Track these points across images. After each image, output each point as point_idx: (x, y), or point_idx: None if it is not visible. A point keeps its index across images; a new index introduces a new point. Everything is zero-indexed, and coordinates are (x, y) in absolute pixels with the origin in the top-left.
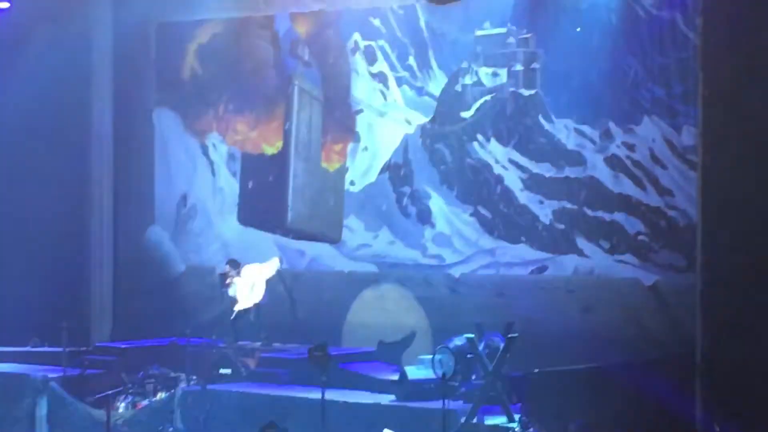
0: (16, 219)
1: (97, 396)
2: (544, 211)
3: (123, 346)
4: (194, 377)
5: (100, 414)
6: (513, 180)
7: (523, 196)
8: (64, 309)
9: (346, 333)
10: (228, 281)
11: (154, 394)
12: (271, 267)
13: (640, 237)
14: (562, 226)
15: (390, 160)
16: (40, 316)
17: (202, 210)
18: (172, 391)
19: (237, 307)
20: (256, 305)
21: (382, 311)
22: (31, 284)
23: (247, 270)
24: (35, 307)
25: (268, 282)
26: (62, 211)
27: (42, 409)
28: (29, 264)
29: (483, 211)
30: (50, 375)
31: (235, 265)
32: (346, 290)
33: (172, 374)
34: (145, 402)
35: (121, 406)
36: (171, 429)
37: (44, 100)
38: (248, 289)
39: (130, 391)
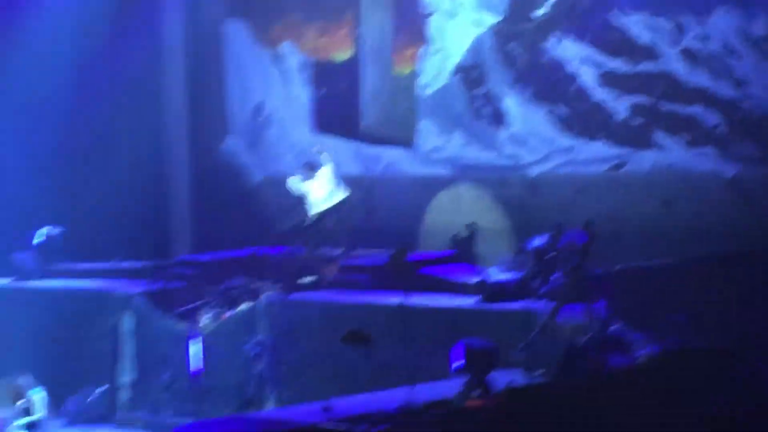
0: (95, 137)
1: (180, 309)
2: (621, 107)
3: (204, 258)
4: (276, 287)
5: (185, 326)
6: (588, 76)
7: (599, 93)
8: (145, 224)
9: (424, 237)
10: (304, 187)
11: (237, 305)
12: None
13: (718, 129)
14: (638, 121)
15: (461, 61)
16: (121, 232)
17: (277, 119)
18: (255, 301)
19: (315, 214)
20: (336, 211)
21: (458, 214)
22: (112, 201)
23: (324, 174)
24: (117, 223)
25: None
26: (138, 128)
27: (126, 325)
28: (109, 181)
29: (559, 109)
30: (133, 290)
31: (312, 167)
32: (423, 194)
33: (255, 284)
34: (229, 313)
35: (205, 318)
36: (255, 339)
37: (116, 17)
38: (326, 194)
39: (213, 303)
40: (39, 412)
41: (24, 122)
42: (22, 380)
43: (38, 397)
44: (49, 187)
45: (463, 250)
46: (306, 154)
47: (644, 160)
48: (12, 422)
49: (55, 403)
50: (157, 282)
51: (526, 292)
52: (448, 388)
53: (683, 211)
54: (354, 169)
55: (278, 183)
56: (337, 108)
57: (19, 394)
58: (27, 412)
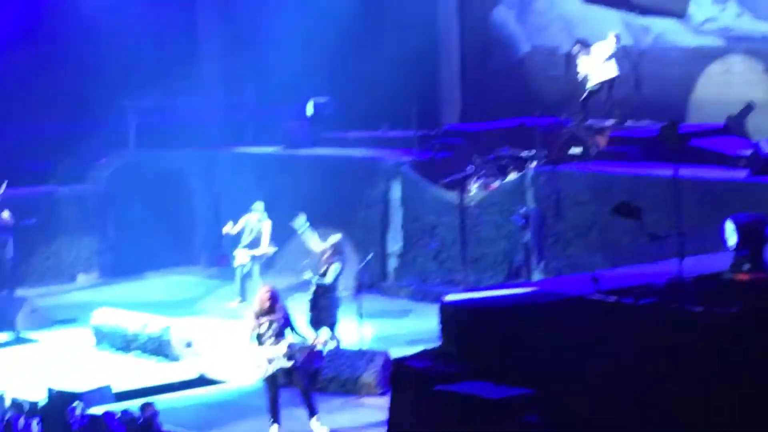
0: (366, 8)
1: (449, 178)
2: None
3: (473, 128)
4: (544, 157)
5: (453, 196)
6: None
7: None
8: (414, 93)
9: (692, 109)
10: (578, 61)
11: (506, 175)
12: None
13: None
14: None
15: None
16: (391, 101)
17: None
18: (524, 171)
19: (588, 86)
20: (609, 83)
21: (728, 86)
22: (382, 71)
23: (596, 48)
24: (386, 92)
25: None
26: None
27: (395, 193)
28: (380, 51)
29: None
30: (402, 159)
31: (585, 44)
32: (692, 66)
33: (523, 155)
34: (497, 183)
35: (473, 188)
36: (523, 209)
37: None
38: (598, 67)
39: (482, 172)
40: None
41: None
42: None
43: (334, 266)
44: (321, 58)
45: (735, 123)
46: (574, 27)
47: None
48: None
49: None
50: (426, 151)
51: None
52: (718, 262)
53: None
54: (623, 40)
55: (546, 53)
56: None
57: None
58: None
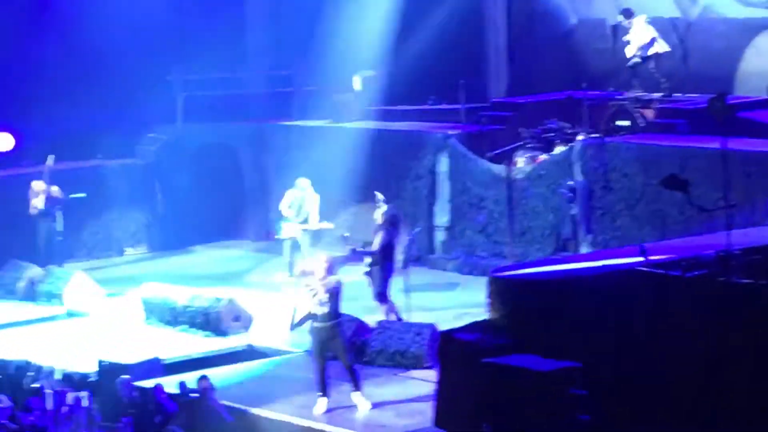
0: None
1: (496, 151)
2: None
3: (520, 101)
4: (592, 130)
5: (500, 169)
6: None
7: None
8: (460, 66)
9: (739, 81)
10: (626, 33)
11: (553, 148)
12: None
13: None
14: None
15: None
16: (437, 74)
17: None
18: (571, 144)
19: (633, 59)
20: (657, 55)
21: None
22: (430, 43)
23: (639, 21)
24: (433, 65)
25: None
26: None
27: (443, 165)
28: (427, 24)
29: None
30: (450, 132)
31: (629, 14)
32: (740, 38)
33: (570, 127)
34: (544, 156)
35: (521, 161)
36: (570, 182)
37: None
38: (646, 39)
39: (529, 145)
40: None
41: None
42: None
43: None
44: (368, 31)
45: None
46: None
47: None
48: None
49: None
50: (473, 124)
51: None
52: (766, 234)
53: None
54: (670, 11)
55: (593, 26)
56: None
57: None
58: None
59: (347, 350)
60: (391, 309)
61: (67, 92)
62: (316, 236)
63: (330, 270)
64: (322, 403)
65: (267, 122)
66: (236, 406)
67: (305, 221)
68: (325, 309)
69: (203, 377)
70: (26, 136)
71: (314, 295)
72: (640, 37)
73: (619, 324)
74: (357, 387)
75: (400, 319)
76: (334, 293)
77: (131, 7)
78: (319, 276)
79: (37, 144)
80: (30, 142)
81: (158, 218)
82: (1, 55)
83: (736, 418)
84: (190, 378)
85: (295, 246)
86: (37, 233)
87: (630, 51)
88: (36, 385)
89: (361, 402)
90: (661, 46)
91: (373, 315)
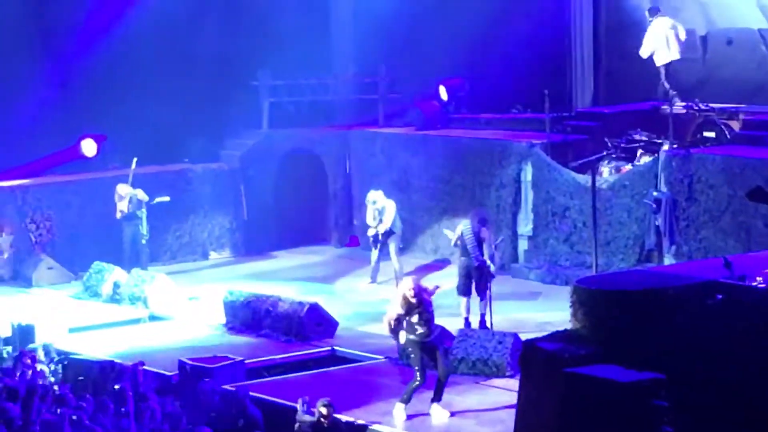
0: None
1: (581, 161)
2: None
3: (604, 111)
4: (677, 141)
5: (585, 179)
6: None
7: None
8: (546, 75)
9: None
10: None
11: (638, 159)
12: None
13: None
14: None
15: None
16: (523, 83)
17: None
18: (656, 155)
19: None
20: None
21: None
22: (515, 52)
23: (661, 22)
24: (518, 74)
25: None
26: None
27: (527, 174)
28: (513, 33)
29: None
30: (534, 141)
31: (653, 12)
32: None
33: (656, 138)
34: (629, 166)
35: (605, 171)
36: (655, 192)
37: None
38: (656, 44)
39: (614, 155)
40: None
41: None
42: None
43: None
44: (453, 40)
45: None
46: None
47: None
48: None
49: None
50: (558, 133)
51: None
52: None
53: None
54: (759, 23)
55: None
56: None
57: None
58: None
59: (446, 360)
60: (488, 304)
61: (153, 95)
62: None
63: (420, 294)
64: (399, 409)
65: (352, 129)
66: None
67: (388, 230)
68: (422, 324)
69: (326, 403)
70: (111, 138)
71: (416, 318)
72: (651, 39)
73: (703, 336)
74: (438, 398)
75: (483, 316)
76: (431, 312)
77: (218, 11)
78: (413, 303)
79: (122, 147)
80: (115, 144)
81: (242, 223)
82: (87, 58)
83: None
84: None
85: (382, 253)
86: (122, 236)
87: (643, 52)
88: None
89: (439, 414)
90: (671, 54)
91: (455, 318)
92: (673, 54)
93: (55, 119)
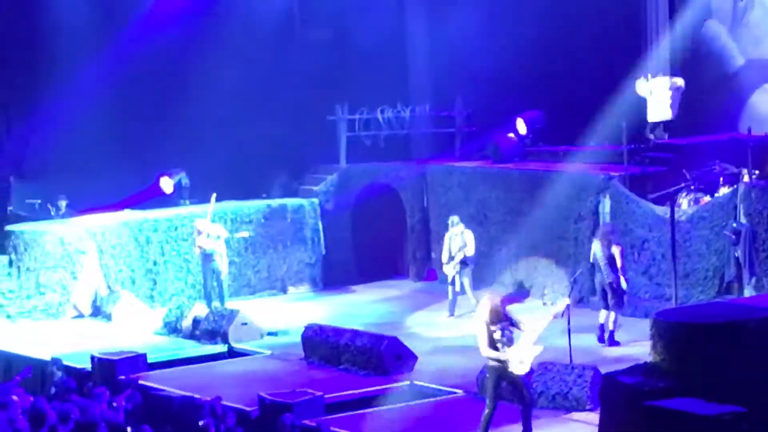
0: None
1: (659, 193)
2: None
3: (681, 142)
4: (756, 172)
5: (664, 210)
6: None
7: None
8: (623, 108)
9: None
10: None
11: (717, 190)
12: None
13: None
14: None
15: None
16: (599, 116)
17: (759, 2)
18: (735, 186)
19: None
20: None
21: None
22: (590, 86)
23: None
24: (594, 107)
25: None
26: (618, 10)
27: (605, 207)
28: (588, 63)
29: None
30: (612, 173)
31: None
32: None
33: (735, 169)
34: (708, 198)
35: (684, 203)
36: (734, 224)
37: None
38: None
39: (692, 187)
40: None
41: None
42: None
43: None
44: (530, 72)
45: None
46: None
47: None
48: None
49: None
50: (636, 165)
51: None
52: None
53: None
54: None
55: (760, 66)
56: None
57: None
58: None
59: (526, 384)
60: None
61: (232, 131)
62: (475, 277)
63: (502, 307)
64: None
65: (429, 163)
66: None
67: (464, 260)
68: (510, 343)
69: None
70: (191, 174)
71: (499, 334)
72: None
73: None
74: (527, 429)
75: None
76: (511, 329)
77: (293, 46)
78: (495, 316)
79: (202, 183)
80: (195, 179)
81: (321, 257)
82: (167, 94)
83: None
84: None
85: (459, 287)
86: (202, 272)
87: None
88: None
89: None
90: (663, 113)
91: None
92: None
93: (135, 153)
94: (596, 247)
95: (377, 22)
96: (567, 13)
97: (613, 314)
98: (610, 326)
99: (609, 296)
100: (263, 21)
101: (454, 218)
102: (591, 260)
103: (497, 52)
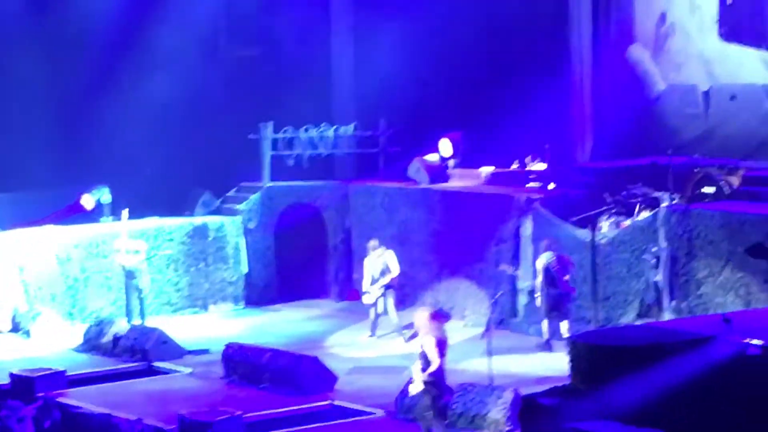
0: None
1: (580, 216)
2: None
3: (604, 165)
4: (677, 196)
5: (584, 234)
6: None
7: None
8: (545, 131)
9: None
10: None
11: (637, 214)
12: None
13: None
14: None
15: None
16: (521, 138)
17: (680, 28)
18: (656, 210)
19: None
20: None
21: None
22: (516, 108)
23: None
24: (517, 128)
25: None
26: (543, 32)
27: (527, 229)
28: (509, 85)
29: None
30: (534, 195)
31: None
32: None
33: (655, 194)
34: (628, 221)
35: (605, 226)
36: (654, 248)
37: None
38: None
39: (613, 210)
40: None
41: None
42: None
43: None
44: (453, 94)
45: None
46: (711, 65)
47: None
48: None
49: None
50: (558, 187)
51: None
52: None
53: None
54: (762, 77)
55: (681, 92)
56: (745, 15)
57: None
58: None
59: (438, 414)
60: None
61: (156, 146)
62: (398, 299)
63: (432, 326)
64: None
65: (352, 182)
66: None
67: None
68: (424, 361)
69: None
70: (116, 190)
71: (419, 349)
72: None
73: (701, 392)
74: None
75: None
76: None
77: (220, 62)
78: (420, 329)
79: (127, 198)
80: (120, 196)
81: (243, 276)
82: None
83: None
84: None
85: (381, 309)
86: (125, 289)
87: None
88: None
89: None
90: None
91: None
92: None
93: (59, 169)
94: (545, 259)
95: (304, 42)
96: (491, 36)
97: (566, 322)
98: (566, 333)
99: (562, 305)
100: (190, 36)
101: (374, 242)
102: (540, 275)
103: (421, 74)
